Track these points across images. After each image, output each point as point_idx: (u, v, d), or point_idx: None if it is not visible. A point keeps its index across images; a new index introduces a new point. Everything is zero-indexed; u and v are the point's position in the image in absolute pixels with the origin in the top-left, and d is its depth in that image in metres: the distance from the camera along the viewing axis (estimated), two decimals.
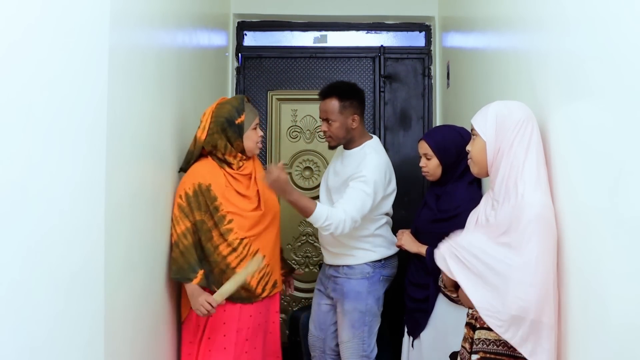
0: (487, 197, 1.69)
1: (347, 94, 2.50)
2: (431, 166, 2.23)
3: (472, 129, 1.67)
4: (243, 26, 3.75)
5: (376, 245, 2.50)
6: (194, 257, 2.10)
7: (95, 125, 1.39)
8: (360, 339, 2.45)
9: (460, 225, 1.81)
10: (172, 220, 2.12)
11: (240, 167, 2.23)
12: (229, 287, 2.06)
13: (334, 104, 2.46)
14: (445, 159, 2.21)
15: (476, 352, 1.56)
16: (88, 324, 1.37)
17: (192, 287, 2.08)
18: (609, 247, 1.19)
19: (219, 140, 2.17)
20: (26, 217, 1.10)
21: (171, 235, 2.11)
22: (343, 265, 2.49)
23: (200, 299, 2.04)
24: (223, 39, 3.44)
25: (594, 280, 1.26)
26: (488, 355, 1.53)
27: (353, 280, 2.46)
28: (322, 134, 2.61)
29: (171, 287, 2.14)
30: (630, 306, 1.10)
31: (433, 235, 1.91)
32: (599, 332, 1.24)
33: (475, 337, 1.59)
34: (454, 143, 2.20)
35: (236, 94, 3.68)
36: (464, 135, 2.20)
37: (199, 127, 2.21)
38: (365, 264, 2.47)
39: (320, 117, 2.53)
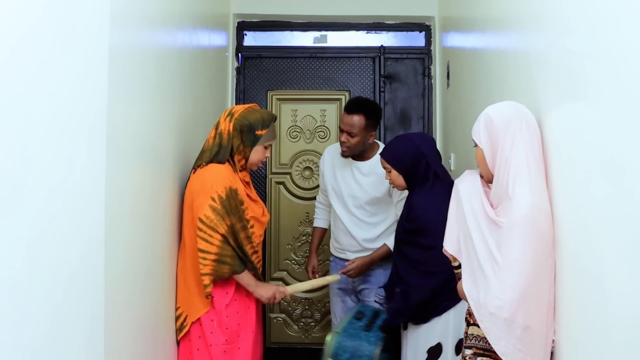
0: (480, 191, 1.70)
1: (373, 114, 2.71)
2: (393, 177, 2.37)
3: (473, 140, 1.70)
4: (243, 26, 3.75)
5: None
6: (243, 253, 2.18)
7: (95, 125, 1.39)
8: None
9: (431, 234, 2.09)
10: (201, 221, 2.09)
11: (240, 172, 2.27)
12: (305, 286, 2.31)
13: (360, 121, 2.66)
14: (402, 167, 2.33)
15: (470, 347, 1.60)
16: (88, 323, 1.37)
17: (249, 277, 2.20)
18: (610, 246, 1.19)
19: (235, 139, 2.21)
20: (26, 216, 1.10)
21: (205, 237, 2.09)
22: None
23: (268, 288, 2.27)
24: (223, 39, 3.45)
25: (594, 278, 1.26)
26: (481, 351, 1.55)
27: (387, 270, 2.66)
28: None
29: (171, 287, 2.15)
30: (630, 303, 1.11)
31: (410, 245, 2.04)
32: (599, 329, 1.24)
33: (469, 332, 1.63)
34: (405, 150, 2.32)
35: (236, 94, 3.69)
36: (415, 141, 2.34)
37: (222, 120, 2.24)
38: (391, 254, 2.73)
39: (341, 128, 2.70)
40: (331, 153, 2.91)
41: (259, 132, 2.23)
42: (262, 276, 3.56)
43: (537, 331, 1.45)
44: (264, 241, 3.66)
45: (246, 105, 2.30)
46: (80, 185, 1.32)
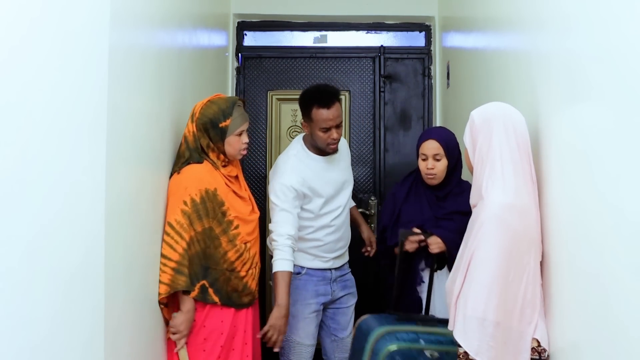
0: None
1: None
2: (441, 167, 2.14)
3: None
4: (243, 26, 3.75)
5: None
6: (199, 267, 2.00)
7: (95, 125, 1.39)
8: None
9: None
10: (170, 226, 1.97)
11: (224, 167, 2.15)
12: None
13: (339, 109, 2.41)
14: (452, 159, 2.16)
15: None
16: (88, 323, 1.37)
17: (191, 304, 2.00)
18: (611, 248, 1.19)
19: (202, 139, 2.09)
20: (26, 215, 1.10)
21: (171, 243, 1.96)
22: (347, 262, 2.66)
23: (186, 324, 1.98)
24: (223, 39, 3.45)
25: (595, 280, 1.26)
26: None
27: (351, 273, 2.68)
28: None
29: None
30: (632, 304, 1.11)
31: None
32: (601, 330, 1.24)
33: None
34: (456, 143, 2.20)
35: (236, 94, 3.69)
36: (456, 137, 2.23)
37: (188, 121, 2.13)
38: None
39: (330, 125, 2.37)
40: (301, 162, 2.46)
41: (223, 124, 2.07)
42: (260, 279, 3.58)
43: (509, 328, 1.47)
44: (261, 242, 3.64)
45: (205, 100, 2.13)
46: (80, 185, 1.31)
